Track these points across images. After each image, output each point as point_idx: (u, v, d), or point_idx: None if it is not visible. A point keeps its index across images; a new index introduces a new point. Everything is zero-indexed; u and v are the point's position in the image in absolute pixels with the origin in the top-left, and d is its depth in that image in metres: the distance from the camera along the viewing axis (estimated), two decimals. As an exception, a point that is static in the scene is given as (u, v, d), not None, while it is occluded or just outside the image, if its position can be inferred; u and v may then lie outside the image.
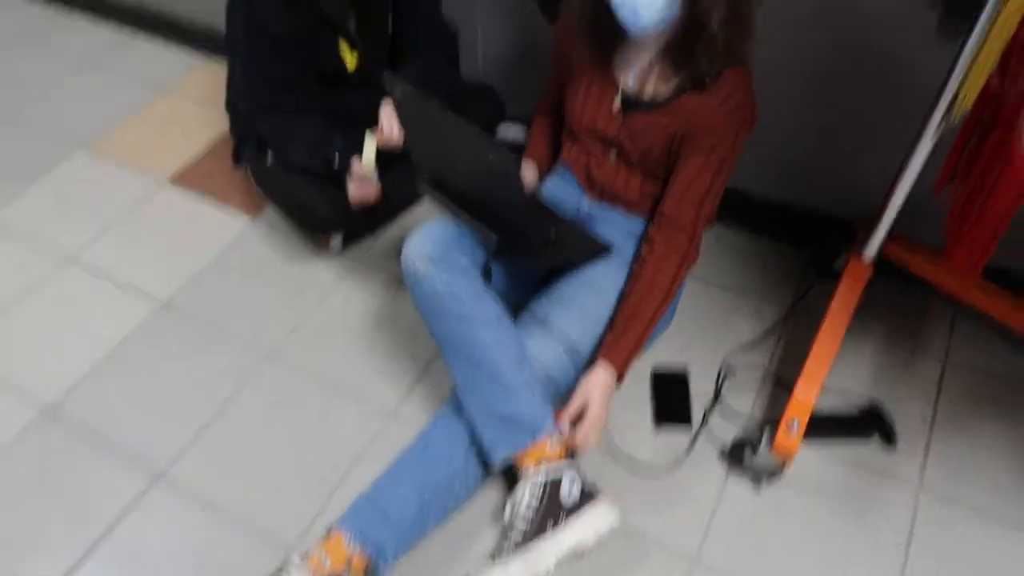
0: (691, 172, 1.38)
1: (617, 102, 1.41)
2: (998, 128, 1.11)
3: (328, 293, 1.79)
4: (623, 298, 1.41)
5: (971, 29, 1.10)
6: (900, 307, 1.72)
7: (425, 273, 1.32)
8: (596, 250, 1.46)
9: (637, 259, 1.43)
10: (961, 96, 1.17)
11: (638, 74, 1.39)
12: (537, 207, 1.48)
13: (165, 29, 2.59)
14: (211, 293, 1.80)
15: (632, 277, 1.42)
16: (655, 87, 1.38)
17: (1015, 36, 1.07)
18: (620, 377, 1.37)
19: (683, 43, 1.31)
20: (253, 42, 1.64)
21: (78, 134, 2.24)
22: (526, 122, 1.93)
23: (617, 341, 1.36)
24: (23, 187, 2.07)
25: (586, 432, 1.32)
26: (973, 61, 1.12)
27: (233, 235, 1.93)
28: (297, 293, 1.79)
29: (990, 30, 1.09)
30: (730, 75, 1.33)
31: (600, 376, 1.34)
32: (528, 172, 1.60)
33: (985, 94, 1.15)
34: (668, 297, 1.40)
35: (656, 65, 1.37)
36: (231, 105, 1.84)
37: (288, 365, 1.65)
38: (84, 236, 1.94)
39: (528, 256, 1.30)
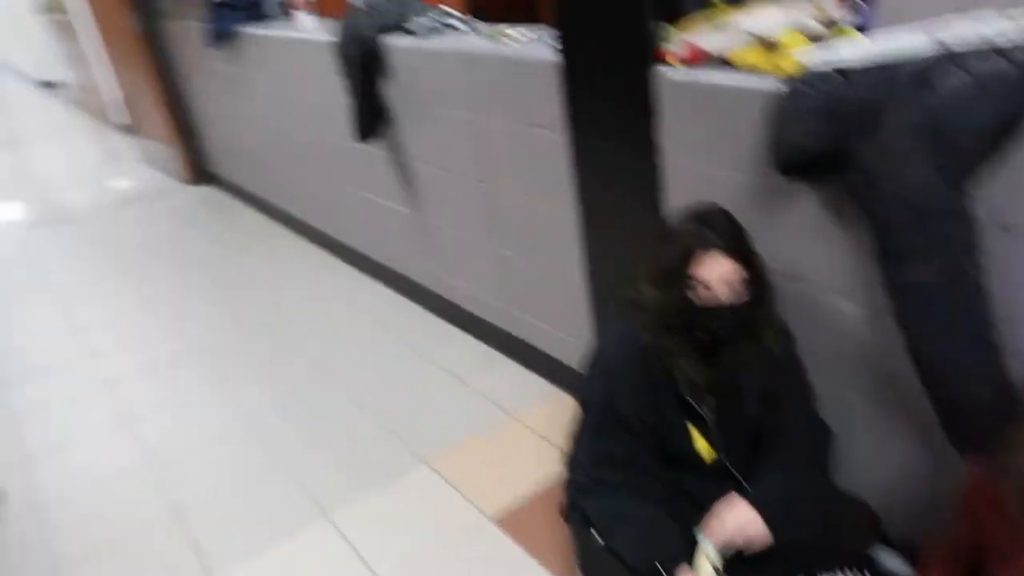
0: None
1: None
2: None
3: None
4: None
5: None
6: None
7: None
8: None
9: None
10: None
11: None
12: None
13: (525, 354, 2.65)
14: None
15: None
16: None
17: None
18: None
19: None
20: (603, 415, 1.66)
21: (425, 443, 2.33)
22: (908, 553, 1.61)
23: None
24: (363, 492, 2.19)
25: None
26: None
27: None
28: None
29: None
30: None
31: None
32: None
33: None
34: None
35: None
36: (571, 461, 1.79)
37: None
38: (394, 553, 1.97)
39: None
